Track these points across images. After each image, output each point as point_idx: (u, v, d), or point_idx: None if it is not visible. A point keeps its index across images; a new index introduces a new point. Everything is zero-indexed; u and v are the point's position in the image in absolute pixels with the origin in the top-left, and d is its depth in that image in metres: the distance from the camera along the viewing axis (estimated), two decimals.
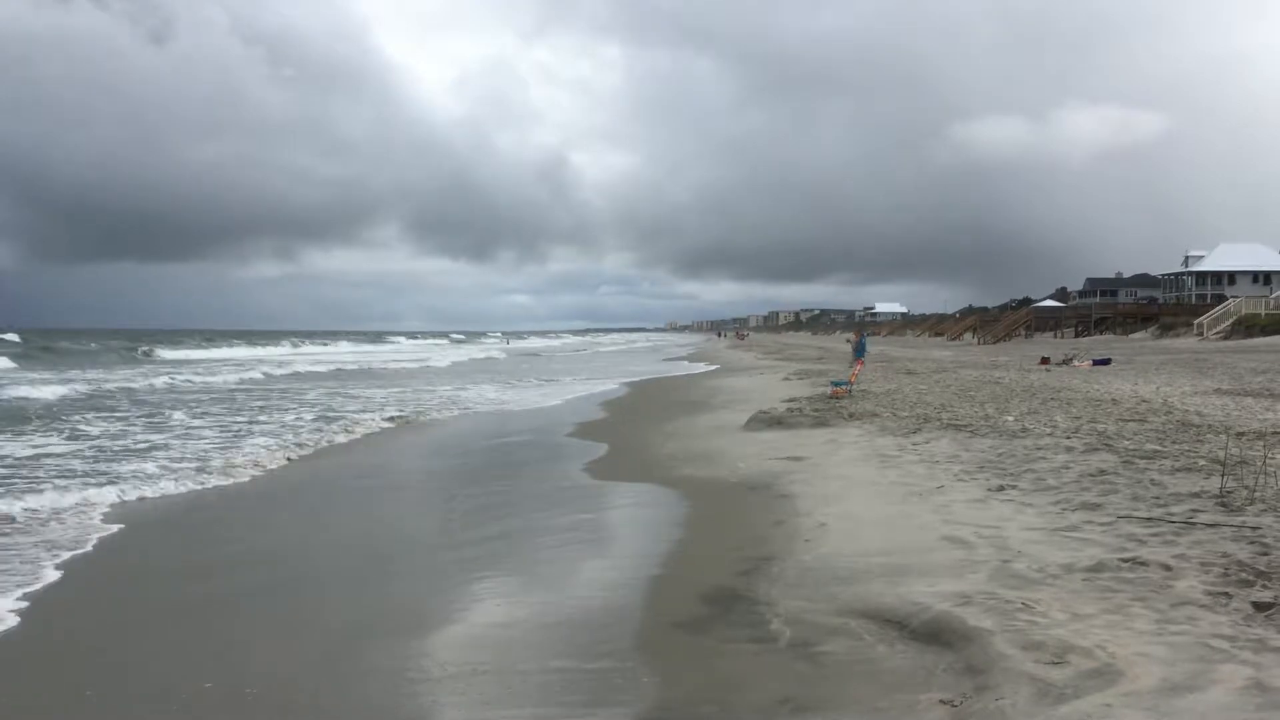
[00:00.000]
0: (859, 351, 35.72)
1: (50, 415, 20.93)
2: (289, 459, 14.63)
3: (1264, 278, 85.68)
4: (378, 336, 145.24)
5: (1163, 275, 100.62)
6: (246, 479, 12.83)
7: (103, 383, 32.06)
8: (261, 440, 16.44)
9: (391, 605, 7.15)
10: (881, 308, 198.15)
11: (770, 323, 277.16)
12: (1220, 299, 69.02)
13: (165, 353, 64.53)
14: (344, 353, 74.27)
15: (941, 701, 4.63)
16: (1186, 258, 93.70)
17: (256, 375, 38.60)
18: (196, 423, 19.50)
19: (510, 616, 6.57)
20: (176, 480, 12.23)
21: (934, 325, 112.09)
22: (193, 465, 13.40)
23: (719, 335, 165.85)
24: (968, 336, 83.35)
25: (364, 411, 21.91)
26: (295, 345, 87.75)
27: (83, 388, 29.25)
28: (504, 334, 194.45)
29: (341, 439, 17.22)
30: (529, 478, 12.82)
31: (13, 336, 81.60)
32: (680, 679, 5.28)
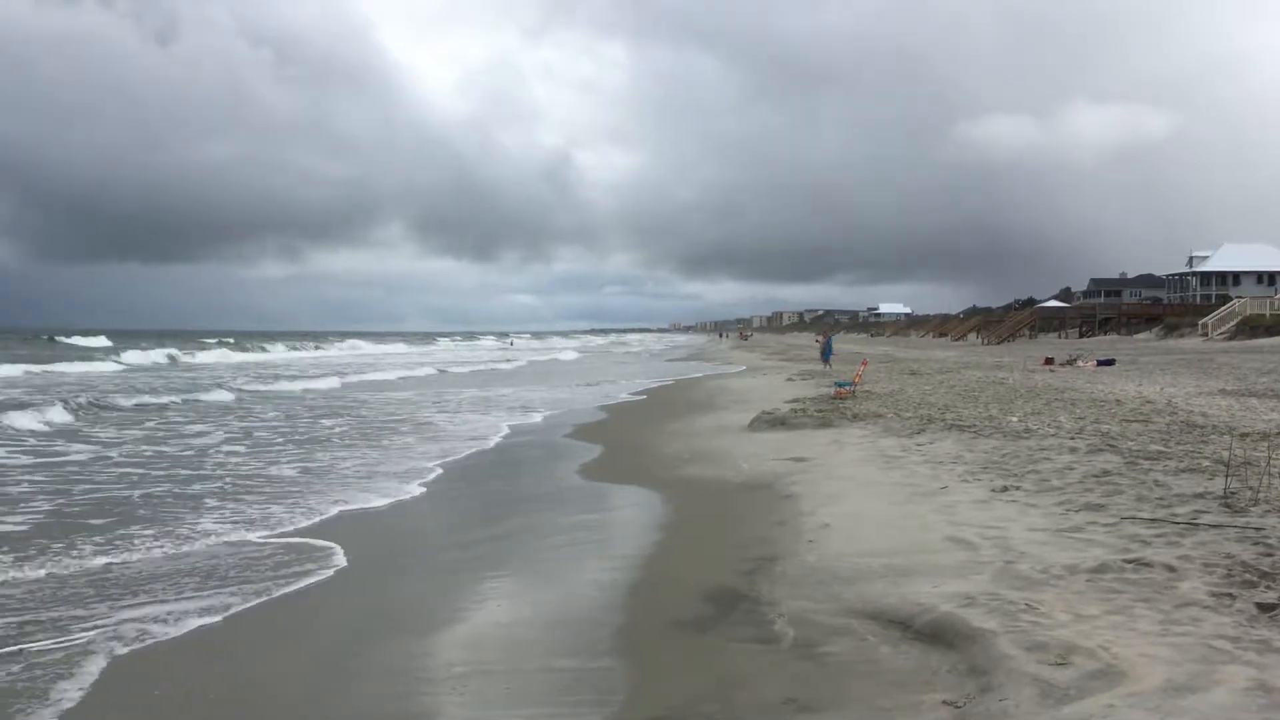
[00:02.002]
0: (826, 353, 36.22)
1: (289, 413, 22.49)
2: None
3: (1269, 278, 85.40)
4: (428, 338, 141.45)
5: (1167, 275, 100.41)
6: None
7: (256, 389, 30.80)
8: None
9: (394, 605, 7.18)
10: (885, 308, 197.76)
11: (774, 323, 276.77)
12: (1225, 299, 68.86)
13: (236, 356, 62.92)
14: (417, 355, 73.27)
15: (945, 702, 4.63)
16: (1191, 258, 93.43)
17: (375, 378, 38.20)
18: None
19: (513, 616, 6.59)
20: None
21: (938, 326, 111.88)
22: None
23: (720, 336, 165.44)
24: (972, 337, 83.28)
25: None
26: (319, 348, 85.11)
27: (224, 394, 27.74)
28: (530, 335, 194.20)
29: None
30: (527, 477, 12.91)
31: (102, 340, 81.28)
32: (683, 678, 5.29)
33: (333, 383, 34.39)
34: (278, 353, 71.48)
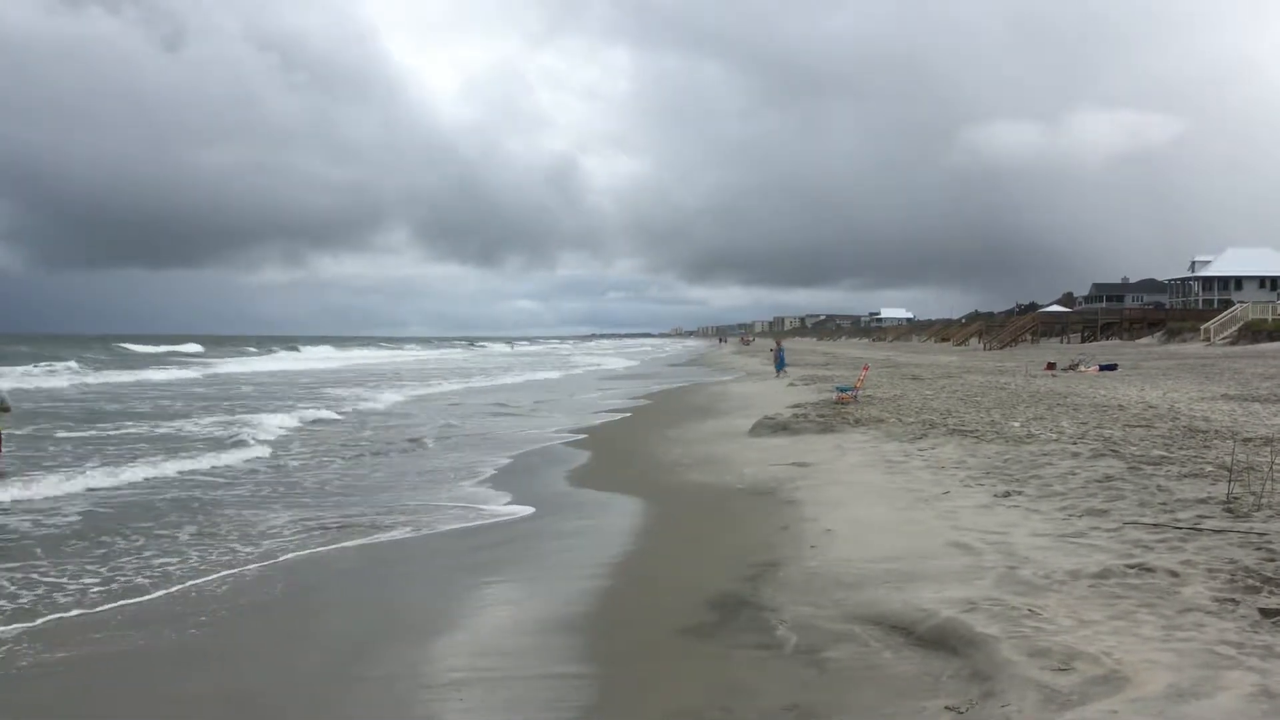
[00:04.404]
0: (779, 364, 36.39)
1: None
2: None
3: (1271, 283, 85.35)
4: (472, 343, 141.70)
5: (1169, 280, 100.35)
6: None
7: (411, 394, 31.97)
8: None
9: (394, 611, 7.18)
10: (887, 313, 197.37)
11: (776, 328, 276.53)
12: (1227, 304, 68.80)
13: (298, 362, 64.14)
14: (471, 359, 75.68)
15: (948, 708, 4.62)
16: (1193, 263, 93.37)
17: (503, 383, 39.65)
18: None
19: (514, 621, 6.59)
20: None
21: (940, 330, 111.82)
22: None
23: (721, 341, 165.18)
24: (973, 342, 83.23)
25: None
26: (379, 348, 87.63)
27: (397, 397, 29.57)
28: (559, 340, 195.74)
29: None
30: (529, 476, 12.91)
31: (196, 347, 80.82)
32: (685, 685, 5.27)
33: (455, 385, 36.95)
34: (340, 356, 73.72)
